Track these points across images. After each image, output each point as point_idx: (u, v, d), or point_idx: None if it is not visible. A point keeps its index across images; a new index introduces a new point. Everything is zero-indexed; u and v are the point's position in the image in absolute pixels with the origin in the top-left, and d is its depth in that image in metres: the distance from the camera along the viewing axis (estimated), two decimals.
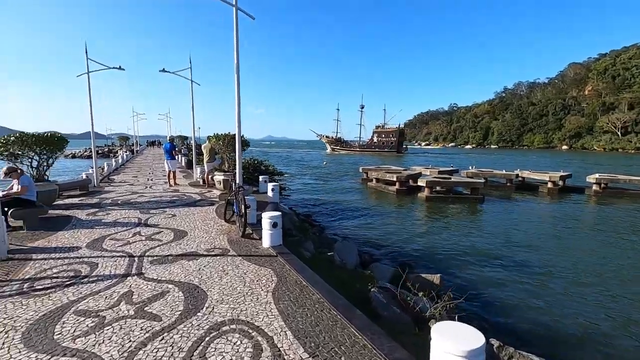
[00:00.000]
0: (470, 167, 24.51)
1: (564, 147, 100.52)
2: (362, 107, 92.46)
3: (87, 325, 3.00)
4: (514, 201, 17.83)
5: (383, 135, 78.86)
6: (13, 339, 2.80)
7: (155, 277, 4.08)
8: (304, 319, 3.20)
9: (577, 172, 24.90)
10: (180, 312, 3.24)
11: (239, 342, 2.77)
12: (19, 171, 6.43)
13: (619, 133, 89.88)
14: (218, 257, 4.83)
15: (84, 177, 11.43)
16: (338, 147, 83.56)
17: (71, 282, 3.93)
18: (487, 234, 11.34)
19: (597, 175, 19.76)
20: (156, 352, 2.63)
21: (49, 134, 9.31)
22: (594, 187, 19.28)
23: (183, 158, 22.91)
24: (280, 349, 2.71)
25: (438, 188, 17.91)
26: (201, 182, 12.77)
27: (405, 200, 17.38)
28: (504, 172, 22.46)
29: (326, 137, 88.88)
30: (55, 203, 8.38)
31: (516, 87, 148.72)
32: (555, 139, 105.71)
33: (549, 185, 19.91)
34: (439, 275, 6.55)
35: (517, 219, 13.60)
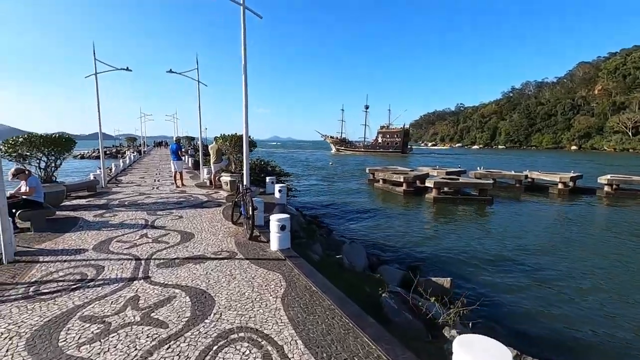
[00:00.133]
0: (478, 168, 24.13)
1: (573, 147, 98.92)
2: (367, 108, 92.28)
3: (92, 332, 2.92)
4: (523, 203, 17.50)
5: (388, 136, 78.50)
6: (17, 345, 2.73)
7: (162, 281, 4.00)
8: (314, 327, 3.08)
9: (588, 173, 24.36)
10: (187, 319, 3.15)
11: (247, 352, 2.67)
12: (26, 172, 6.43)
13: (629, 133, 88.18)
14: (225, 261, 4.74)
15: (92, 178, 11.49)
16: (343, 148, 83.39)
17: (77, 285, 3.87)
18: (496, 236, 11.11)
19: (608, 176, 19.31)
20: None
21: (57, 135, 9.34)
22: (606, 188, 18.83)
23: (190, 159, 22.96)
24: (291, 359, 2.60)
25: (446, 189, 17.66)
26: (208, 183, 12.74)
27: (412, 202, 17.19)
28: (513, 172, 21.99)
29: (331, 137, 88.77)
30: (62, 204, 8.40)
31: (524, 86, 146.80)
32: (564, 139, 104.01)
33: (560, 186, 19.49)
34: (449, 278, 6.37)
35: (527, 221, 13.33)
